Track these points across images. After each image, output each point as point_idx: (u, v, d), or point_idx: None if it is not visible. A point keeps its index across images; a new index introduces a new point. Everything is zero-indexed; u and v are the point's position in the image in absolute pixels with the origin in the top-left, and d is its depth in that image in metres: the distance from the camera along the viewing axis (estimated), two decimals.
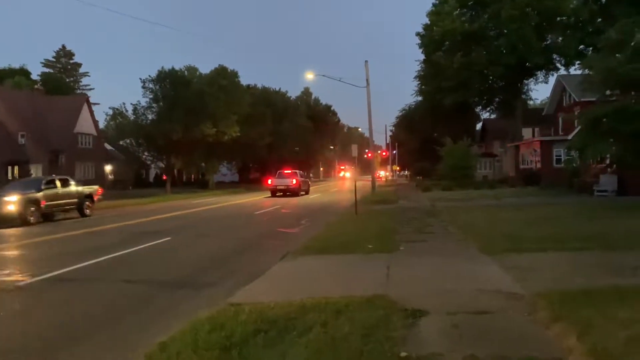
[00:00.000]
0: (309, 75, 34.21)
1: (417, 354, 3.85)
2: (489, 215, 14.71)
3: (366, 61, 30.74)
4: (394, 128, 71.74)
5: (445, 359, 3.80)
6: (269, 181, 35.54)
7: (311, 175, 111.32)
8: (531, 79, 41.52)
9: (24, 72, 63.12)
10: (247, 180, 65.64)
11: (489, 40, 37.13)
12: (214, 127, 44.50)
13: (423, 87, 46.58)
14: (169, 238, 12.60)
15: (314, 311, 4.96)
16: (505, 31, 35.54)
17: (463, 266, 7.42)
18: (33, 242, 12.47)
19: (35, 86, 54.72)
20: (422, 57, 43.57)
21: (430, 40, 39.84)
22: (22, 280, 7.63)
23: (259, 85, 66.10)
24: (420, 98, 50.81)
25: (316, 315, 4.83)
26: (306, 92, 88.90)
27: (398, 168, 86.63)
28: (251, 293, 6.18)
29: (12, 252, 11.19)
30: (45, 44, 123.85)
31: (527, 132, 41.80)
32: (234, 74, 50.55)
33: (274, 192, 33.35)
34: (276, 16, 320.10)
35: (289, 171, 36.06)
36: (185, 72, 48.86)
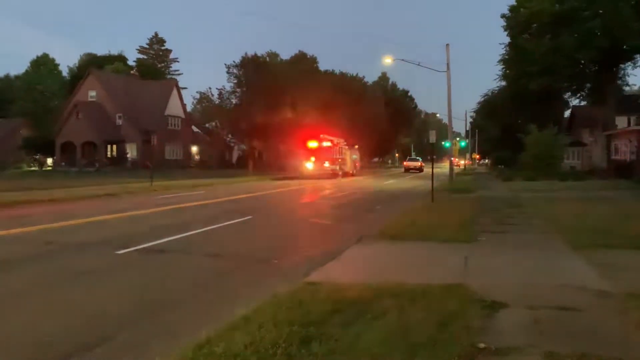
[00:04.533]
0: (387, 60, 33.58)
1: (495, 347, 3.80)
2: (576, 207, 13.86)
3: (447, 44, 29.74)
4: (474, 114, 69.07)
5: (524, 353, 3.71)
6: (404, 163, 59.69)
7: (389, 161, 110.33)
8: (629, 63, 37.99)
9: (121, 59, 68.05)
10: None
11: (580, 22, 34.35)
12: (293, 112, 45.47)
13: (507, 71, 44.26)
14: (250, 217, 13.18)
15: (389, 296, 5.00)
16: (600, 12, 32.69)
17: (546, 260, 7.13)
18: (128, 216, 13.57)
19: (131, 71, 58.74)
20: (506, 40, 41.34)
21: (516, 22, 37.63)
22: (119, 250, 8.37)
23: (337, 71, 66.30)
24: (503, 83, 48.38)
25: (391, 300, 4.87)
26: (383, 78, 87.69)
27: (478, 156, 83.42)
28: (327, 274, 6.33)
29: (109, 224, 12.26)
30: (141, 31, 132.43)
31: (621, 121, 38.52)
32: (313, 60, 51.12)
33: (407, 170, 53.14)
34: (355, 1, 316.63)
35: (415, 157, 61.96)
36: (267, 57, 50.11)
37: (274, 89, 44.59)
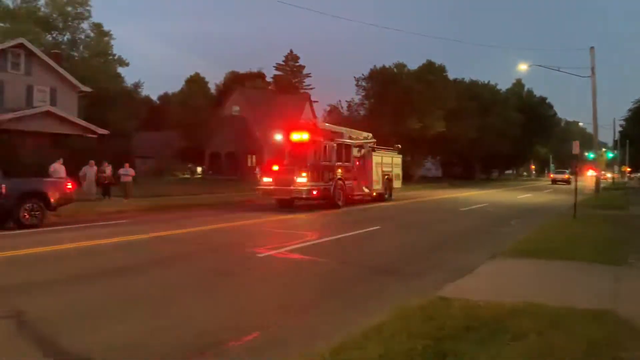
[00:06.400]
0: (522, 66, 31.70)
1: None
2: None
3: (592, 47, 27.16)
4: (624, 123, 61.63)
5: None
6: (551, 175, 66.16)
7: (524, 173, 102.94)
8: None
9: (260, 75, 73.50)
10: (451, 175, 64.47)
11: None
12: (420, 122, 44.98)
13: None
14: (378, 227, 13.41)
15: (527, 317, 4.77)
16: None
17: None
18: (265, 221, 14.64)
19: (269, 87, 63.41)
20: None
21: None
22: (261, 253, 9.09)
23: (466, 79, 64.09)
24: None
25: (530, 321, 4.63)
26: (518, 84, 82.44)
27: (628, 169, 74.27)
28: (459, 289, 6.20)
29: (252, 227, 13.38)
30: (278, 49, 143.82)
31: None
32: (441, 69, 50.09)
33: (554, 182, 55.89)
34: (487, 6, 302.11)
35: (562, 170, 62.50)
36: (395, 69, 50.36)
37: (401, 99, 44.62)
